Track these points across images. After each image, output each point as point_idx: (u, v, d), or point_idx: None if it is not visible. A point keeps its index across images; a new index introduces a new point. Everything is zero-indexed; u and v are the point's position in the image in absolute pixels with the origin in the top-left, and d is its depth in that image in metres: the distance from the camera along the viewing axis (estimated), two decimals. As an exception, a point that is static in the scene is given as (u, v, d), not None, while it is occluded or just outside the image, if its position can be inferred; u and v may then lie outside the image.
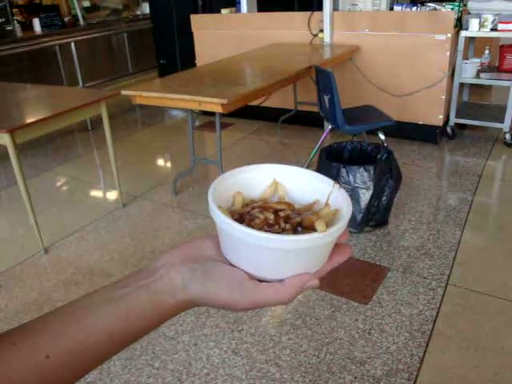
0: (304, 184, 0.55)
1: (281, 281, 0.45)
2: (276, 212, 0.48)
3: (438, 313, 1.99)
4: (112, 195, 3.39)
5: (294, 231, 0.47)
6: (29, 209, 2.47)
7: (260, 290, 0.44)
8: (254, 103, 4.22)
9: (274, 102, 4.44)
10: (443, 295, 2.09)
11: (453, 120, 3.80)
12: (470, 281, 2.17)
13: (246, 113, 4.49)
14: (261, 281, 0.46)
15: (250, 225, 0.46)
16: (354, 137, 3.40)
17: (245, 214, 0.48)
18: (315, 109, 3.95)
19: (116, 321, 0.41)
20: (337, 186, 0.52)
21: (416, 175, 3.31)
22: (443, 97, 3.66)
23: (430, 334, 1.88)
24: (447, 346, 1.82)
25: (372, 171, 2.48)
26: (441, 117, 3.73)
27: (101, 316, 0.41)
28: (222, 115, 2.78)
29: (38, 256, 2.58)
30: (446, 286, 2.14)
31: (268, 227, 0.46)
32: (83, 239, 2.74)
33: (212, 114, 2.82)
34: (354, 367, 1.75)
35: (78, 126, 4.90)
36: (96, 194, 3.50)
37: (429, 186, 3.16)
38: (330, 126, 3.31)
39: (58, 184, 3.67)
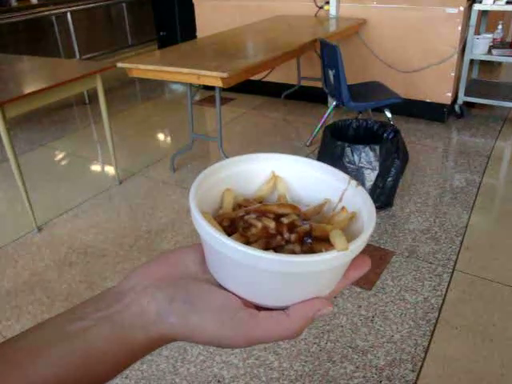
0: (310, 179, 0.44)
1: (285, 308, 0.36)
2: (277, 217, 0.38)
3: (443, 300, 1.91)
4: (108, 172, 3.29)
5: (302, 243, 0.37)
6: (21, 186, 2.38)
7: (258, 324, 0.34)
8: (256, 78, 4.08)
9: (276, 76, 4.30)
10: (449, 282, 2.01)
11: (461, 98, 3.67)
12: (478, 267, 2.09)
13: (248, 88, 4.35)
14: (259, 307, 0.36)
15: (244, 236, 0.36)
16: (360, 114, 3.27)
17: (237, 221, 0.38)
18: (319, 84, 3.82)
19: (69, 366, 0.31)
20: (353, 182, 0.41)
21: (422, 155, 3.20)
22: (453, 74, 3.52)
23: (435, 322, 1.80)
24: (453, 335, 1.75)
25: (378, 151, 2.37)
26: (449, 94, 3.60)
27: (49, 361, 0.31)
28: (223, 90, 2.66)
29: (30, 235, 2.50)
30: (453, 272, 2.06)
31: (268, 239, 0.37)
32: (78, 217, 2.65)
33: (213, 88, 2.70)
34: (356, 356, 1.68)
35: (75, 100, 4.77)
36: (92, 170, 3.40)
37: (435, 166, 3.06)
38: (334, 103, 3.19)
39: (53, 159, 3.57)
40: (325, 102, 4.06)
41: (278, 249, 0.36)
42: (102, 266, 2.22)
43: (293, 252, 0.36)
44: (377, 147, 2.37)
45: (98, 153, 3.66)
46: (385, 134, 2.62)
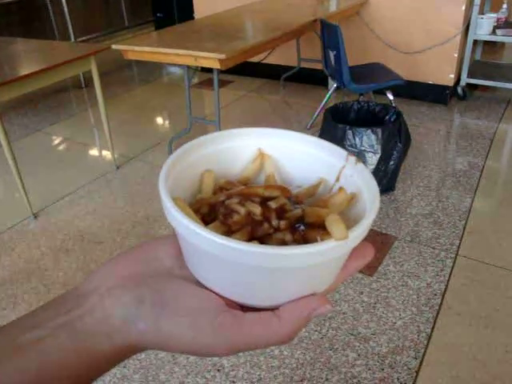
0: (302, 156, 0.39)
1: (275, 308, 0.31)
2: (264, 201, 0.33)
3: (446, 286, 1.88)
4: (105, 157, 3.24)
5: (293, 230, 0.32)
6: (15, 172, 2.33)
7: (243, 328, 0.29)
8: (255, 60, 4.00)
9: (275, 58, 4.22)
10: (452, 267, 1.97)
11: (464, 80, 3.59)
12: (481, 252, 2.05)
13: (247, 70, 4.27)
14: (245, 307, 0.31)
15: (225, 224, 0.31)
16: (361, 96, 3.21)
17: (218, 206, 0.33)
18: (319, 66, 3.74)
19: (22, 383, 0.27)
20: (352, 158, 0.36)
21: (424, 138, 3.15)
22: (456, 55, 3.45)
23: (438, 308, 1.77)
24: (456, 321, 1.72)
25: (380, 134, 2.32)
26: (452, 76, 3.53)
27: None
28: (221, 72, 2.60)
29: (26, 222, 2.45)
30: (456, 258, 2.03)
31: (253, 227, 0.31)
32: (74, 204, 2.61)
33: (211, 70, 2.63)
34: (358, 344, 1.65)
35: (71, 84, 4.68)
36: (88, 155, 3.34)
37: (438, 149, 3.01)
38: (335, 85, 3.12)
39: (49, 145, 3.51)
40: (325, 84, 3.98)
41: (265, 238, 0.31)
42: (99, 254, 2.18)
43: (283, 242, 0.31)
44: (379, 130, 2.32)
45: (95, 138, 3.60)
46: (387, 117, 2.57)
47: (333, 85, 3.17)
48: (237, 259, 0.28)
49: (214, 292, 0.31)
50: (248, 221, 0.31)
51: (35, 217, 2.48)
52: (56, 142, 3.57)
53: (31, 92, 4.06)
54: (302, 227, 0.32)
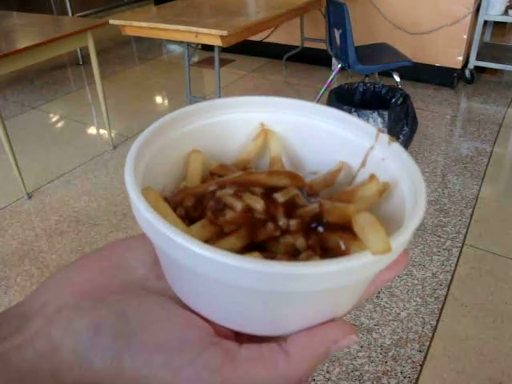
0: (318, 132, 0.30)
1: (281, 337, 0.24)
2: (268, 193, 0.25)
3: (452, 276, 1.82)
4: (102, 136, 3.15)
5: (307, 232, 0.24)
6: (8, 151, 2.25)
7: (239, 369, 0.21)
8: (257, 38, 3.90)
9: (278, 37, 4.10)
10: (459, 257, 1.91)
11: (473, 63, 3.49)
12: (489, 241, 1.99)
13: (248, 49, 4.16)
14: (241, 335, 0.24)
15: (215, 223, 0.24)
16: (366, 78, 3.11)
17: (207, 198, 0.25)
18: (323, 46, 3.64)
19: None
20: (384, 136, 0.28)
21: (430, 122, 3.06)
22: (465, 36, 3.34)
23: (443, 299, 1.72)
24: (462, 313, 1.67)
25: (386, 117, 2.24)
26: (460, 58, 3.43)
27: None
28: (222, 50, 2.50)
29: (20, 202, 2.38)
30: (462, 247, 1.96)
31: (253, 228, 0.24)
32: (70, 184, 2.53)
33: (212, 48, 2.53)
34: (361, 335, 1.60)
35: (68, 60, 4.57)
36: (85, 134, 3.25)
37: (444, 134, 2.92)
38: (339, 65, 3.02)
39: (45, 123, 3.41)
40: (329, 65, 3.88)
41: (269, 243, 0.24)
42: (94, 236, 2.12)
43: (293, 248, 0.24)
44: (385, 113, 2.23)
45: (92, 116, 3.51)
46: (393, 100, 2.48)
47: (337, 65, 3.07)
48: (227, 279, 0.20)
49: (198, 314, 0.24)
50: (246, 219, 0.24)
51: (29, 197, 2.41)
52: (52, 120, 3.47)
53: (27, 68, 3.96)
54: (320, 228, 0.24)
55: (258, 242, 0.24)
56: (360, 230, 0.23)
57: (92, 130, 3.30)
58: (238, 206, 0.24)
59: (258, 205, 0.24)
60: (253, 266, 0.19)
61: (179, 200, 0.25)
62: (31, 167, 2.64)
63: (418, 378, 1.45)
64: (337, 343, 0.23)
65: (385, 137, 0.28)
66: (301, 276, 0.20)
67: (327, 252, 0.24)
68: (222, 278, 0.20)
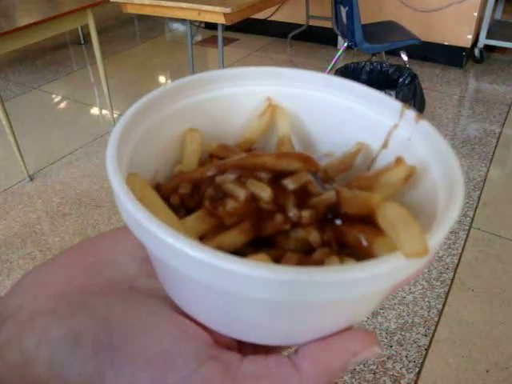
0: (333, 108, 0.27)
1: (291, 347, 0.21)
2: (277, 179, 0.22)
3: (459, 260, 1.79)
4: (104, 117, 3.11)
5: (322, 226, 0.21)
6: (9, 131, 2.21)
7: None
8: (261, 16, 3.82)
9: (283, 15, 4.01)
10: (466, 240, 1.88)
11: (483, 41, 3.40)
12: (497, 224, 1.96)
13: (252, 27, 4.08)
14: (244, 345, 0.21)
15: (214, 215, 0.20)
16: (373, 57, 3.04)
17: (204, 184, 0.21)
18: (329, 24, 3.57)
19: None
20: (411, 113, 0.25)
21: (438, 102, 3.00)
22: (475, 14, 3.25)
23: (450, 283, 1.69)
24: (469, 297, 1.65)
25: (394, 97, 2.18)
26: (470, 37, 3.34)
27: None
28: (226, 29, 2.45)
29: (22, 184, 2.36)
30: (469, 230, 1.93)
31: (259, 220, 0.20)
32: (71, 165, 2.51)
33: (215, 27, 2.47)
34: (366, 319, 1.58)
35: (70, 40, 4.50)
36: (87, 115, 3.22)
37: (452, 115, 2.87)
38: (345, 44, 2.95)
39: (46, 103, 3.37)
40: (334, 44, 3.80)
41: (277, 238, 0.21)
42: (97, 218, 2.10)
43: (305, 244, 0.21)
44: (392, 93, 2.19)
45: (95, 97, 3.46)
46: (400, 79, 2.43)
47: (343, 44, 3.00)
48: (227, 288, 0.17)
49: (195, 320, 0.20)
50: (250, 210, 0.21)
51: (31, 179, 2.38)
52: (53, 100, 3.43)
53: (28, 48, 3.91)
54: (338, 221, 0.21)
55: (264, 236, 0.21)
56: (389, 226, 0.19)
57: (94, 111, 3.26)
58: (241, 194, 0.20)
59: (265, 193, 0.21)
60: (259, 272, 0.16)
61: (173, 186, 0.22)
62: (32, 149, 2.61)
63: (423, 363, 1.44)
64: (356, 356, 0.20)
65: (411, 114, 0.25)
66: (319, 284, 0.17)
67: (344, 248, 0.21)
68: (221, 286, 0.17)
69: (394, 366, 1.43)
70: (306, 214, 0.21)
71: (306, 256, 0.20)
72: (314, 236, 0.21)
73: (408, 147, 0.24)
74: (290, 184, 0.21)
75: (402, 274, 0.18)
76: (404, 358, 1.45)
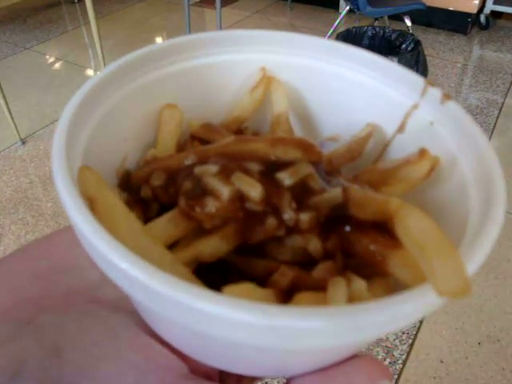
0: (340, 82, 0.22)
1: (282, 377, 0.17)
2: (269, 171, 0.18)
3: (456, 232, 1.78)
4: (99, 79, 3.03)
5: (326, 231, 0.17)
6: (-1, 94, 2.15)
7: None
8: (262, -23, 3.68)
9: (284, -24, 3.88)
10: (463, 212, 1.86)
11: (489, 7, 3.30)
12: (495, 197, 1.93)
13: (252, -12, 3.95)
14: (226, 375, 0.18)
15: (190, 216, 0.16)
16: (376, 21, 2.95)
17: (181, 175, 0.17)
18: (332, -14, 3.44)
19: None
20: (435, 91, 0.20)
21: (440, 70, 2.93)
22: (483, -23, 3.14)
23: (446, 256, 1.68)
24: (464, 270, 1.64)
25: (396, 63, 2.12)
26: (476, 2, 3.24)
27: None
28: (223, -12, 2.35)
29: (14, 148, 2.31)
30: (468, 202, 1.91)
31: (246, 223, 0.17)
32: (65, 129, 2.45)
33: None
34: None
35: (63, -3, 4.35)
36: (81, 76, 3.13)
37: (454, 83, 2.80)
38: (347, 7, 2.86)
39: (39, 64, 3.28)
40: (336, 7, 3.69)
41: (269, 247, 0.17)
42: (91, 184, 2.06)
43: (304, 254, 0.17)
44: (395, 59, 2.12)
45: (89, 58, 3.37)
46: (403, 45, 2.36)
47: (345, 7, 2.90)
48: (202, 329, 0.13)
49: (167, 344, 0.17)
50: (236, 212, 0.17)
51: (23, 142, 2.34)
52: (46, 61, 3.33)
53: (19, 6, 3.78)
54: (347, 227, 0.17)
55: (252, 243, 0.17)
56: (414, 245, 0.15)
57: (88, 73, 3.17)
58: (225, 191, 0.16)
59: (254, 191, 0.17)
60: (240, 315, 0.12)
61: (144, 176, 0.18)
62: (24, 112, 2.55)
63: (416, 334, 1.45)
64: None
65: (436, 92, 0.20)
66: (320, 333, 0.13)
67: (350, 257, 0.18)
68: (195, 328, 0.13)
69: (387, 337, 1.43)
70: (304, 217, 0.17)
71: (304, 273, 0.16)
72: (314, 244, 0.17)
73: (430, 133, 0.20)
74: (285, 178, 0.17)
75: (427, 311, 0.15)
76: (398, 331, 1.45)
